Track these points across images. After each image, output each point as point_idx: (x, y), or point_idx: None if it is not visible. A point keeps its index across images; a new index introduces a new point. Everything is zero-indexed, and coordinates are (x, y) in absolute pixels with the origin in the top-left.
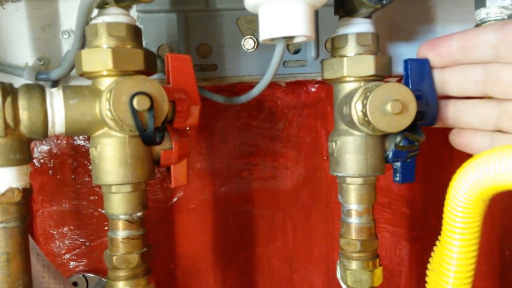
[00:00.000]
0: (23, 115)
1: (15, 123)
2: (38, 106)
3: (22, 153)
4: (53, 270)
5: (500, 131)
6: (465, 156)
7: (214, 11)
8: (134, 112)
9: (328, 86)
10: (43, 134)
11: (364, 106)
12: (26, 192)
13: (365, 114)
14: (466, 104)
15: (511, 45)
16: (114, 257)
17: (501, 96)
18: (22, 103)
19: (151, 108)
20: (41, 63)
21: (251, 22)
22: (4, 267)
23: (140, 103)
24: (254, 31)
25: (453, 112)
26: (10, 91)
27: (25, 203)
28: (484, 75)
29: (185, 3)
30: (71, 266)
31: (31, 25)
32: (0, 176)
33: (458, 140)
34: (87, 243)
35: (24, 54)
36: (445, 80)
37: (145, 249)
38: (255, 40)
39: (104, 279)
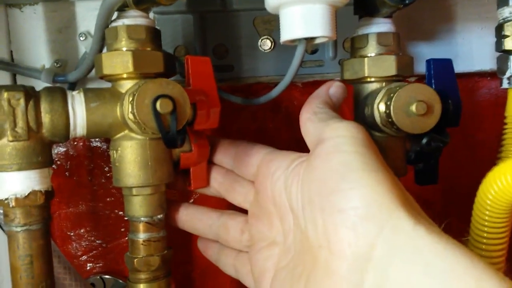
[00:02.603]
0: (45, 118)
1: (38, 126)
2: (60, 109)
3: (44, 156)
4: (74, 272)
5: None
6: (486, 157)
7: (231, 12)
8: (157, 115)
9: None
10: (65, 136)
11: (387, 107)
12: (48, 195)
13: (388, 115)
14: (196, 210)
15: (241, 161)
16: (135, 260)
17: (232, 200)
18: (44, 106)
19: (174, 110)
20: (58, 65)
21: (268, 23)
22: (28, 269)
23: (163, 106)
24: (271, 32)
25: (188, 216)
26: (32, 95)
27: (47, 206)
28: (223, 180)
29: (201, 4)
30: (88, 268)
31: (48, 28)
32: (23, 179)
33: (199, 244)
34: (104, 245)
35: (41, 56)
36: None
37: (166, 251)
38: (272, 41)
39: (120, 281)
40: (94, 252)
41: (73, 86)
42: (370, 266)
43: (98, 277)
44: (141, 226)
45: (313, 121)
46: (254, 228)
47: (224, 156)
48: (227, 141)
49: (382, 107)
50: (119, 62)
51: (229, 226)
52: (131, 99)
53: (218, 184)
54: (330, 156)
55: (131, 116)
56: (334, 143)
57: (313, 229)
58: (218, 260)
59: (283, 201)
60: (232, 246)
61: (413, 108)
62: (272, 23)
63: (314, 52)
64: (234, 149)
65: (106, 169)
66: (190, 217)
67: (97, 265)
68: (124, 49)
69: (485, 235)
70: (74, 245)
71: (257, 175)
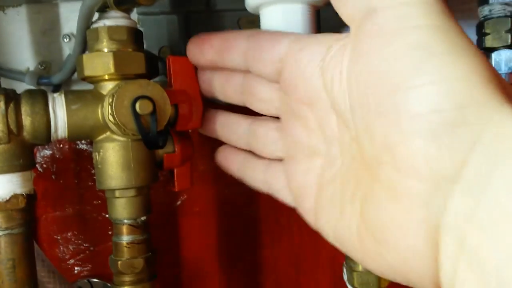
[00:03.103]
0: (26, 121)
1: (18, 129)
2: (41, 112)
3: (25, 159)
4: (58, 276)
5: (251, 152)
6: None
7: (215, 12)
8: (137, 116)
9: None
10: (46, 139)
11: None
12: (30, 198)
13: None
14: (227, 118)
15: (258, 57)
16: (119, 262)
17: (255, 110)
18: (25, 109)
19: (154, 112)
20: (43, 67)
21: (252, 23)
22: (10, 273)
23: (142, 107)
24: None
25: (219, 124)
26: (12, 97)
27: (30, 209)
28: (242, 85)
29: (185, 5)
30: (75, 271)
31: (32, 30)
32: (4, 183)
33: (218, 157)
34: (91, 248)
35: (25, 58)
36: (211, 83)
37: (150, 253)
38: None
39: (109, 284)
40: (82, 255)
41: (57, 88)
42: (457, 189)
43: (86, 280)
44: (124, 229)
45: None
46: (289, 136)
47: (233, 54)
48: (234, 34)
49: None
50: (100, 63)
51: (260, 133)
52: (110, 100)
53: (238, 95)
54: (392, 34)
55: (111, 118)
56: (397, 14)
57: (369, 140)
58: (245, 175)
59: (322, 102)
60: (266, 156)
61: None
62: (256, 23)
63: None
64: (245, 43)
65: (93, 172)
66: (221, 127)
67: (85, 268)
68: (106, 50)
69: None
70: (61, 248)
71: (283, 71)
